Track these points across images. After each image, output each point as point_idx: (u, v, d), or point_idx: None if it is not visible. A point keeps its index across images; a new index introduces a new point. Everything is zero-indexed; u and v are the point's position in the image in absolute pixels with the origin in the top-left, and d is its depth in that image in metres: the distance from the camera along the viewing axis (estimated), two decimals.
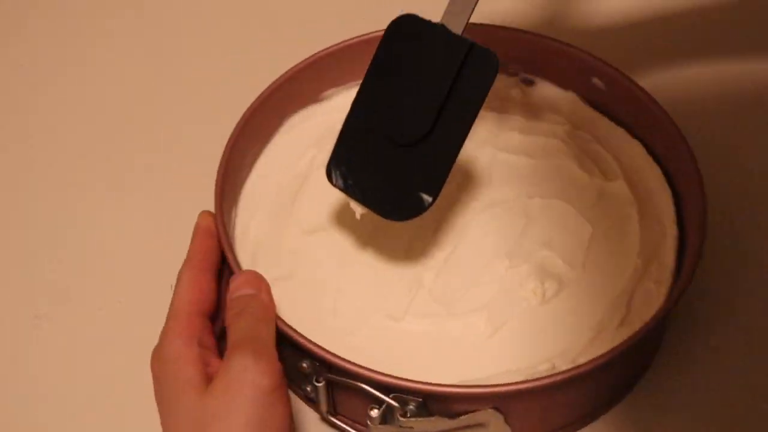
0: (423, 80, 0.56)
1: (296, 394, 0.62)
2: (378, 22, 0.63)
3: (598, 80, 0.70)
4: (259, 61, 0.78)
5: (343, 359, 0.55)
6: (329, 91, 0.73)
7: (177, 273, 0.65)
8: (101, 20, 0.87)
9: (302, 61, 0.70)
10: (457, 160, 0.67)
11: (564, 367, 0.57)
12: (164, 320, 0.64)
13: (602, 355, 0.55)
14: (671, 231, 0.64)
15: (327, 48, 0.71)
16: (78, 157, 0.76)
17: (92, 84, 0.82)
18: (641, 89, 0.68)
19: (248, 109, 0.67)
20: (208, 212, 0.61)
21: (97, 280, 0.69)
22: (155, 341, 0.63)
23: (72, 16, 0.87)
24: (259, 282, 0.57)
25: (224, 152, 0.65)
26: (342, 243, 0.64)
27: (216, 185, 0.63)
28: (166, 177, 0.75)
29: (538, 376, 0.56)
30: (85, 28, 0.86)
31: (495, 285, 0.62)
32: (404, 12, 0.58)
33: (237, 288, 0.57)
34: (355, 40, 0.71)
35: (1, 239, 0.71)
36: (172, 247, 0.68)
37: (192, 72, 0.82)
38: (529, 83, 0.74)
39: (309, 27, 0.85)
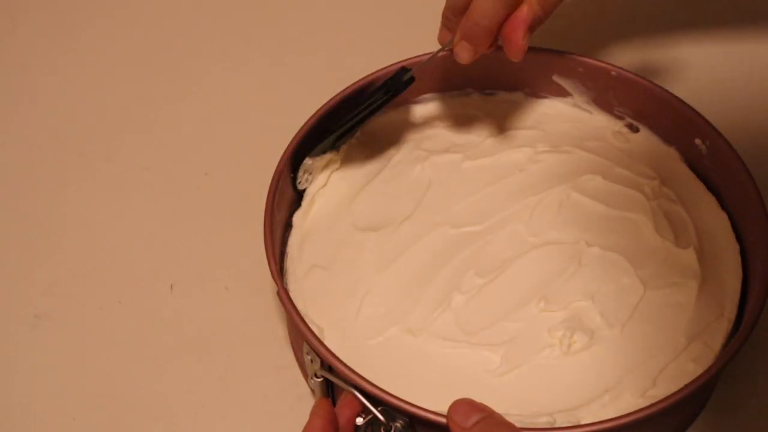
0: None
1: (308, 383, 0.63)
2: None
3: (700, 142, 0.67)
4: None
5: (341, 362, 0.55)
6: (427, 95, 0.72)
7: (177, 273, 0.67)
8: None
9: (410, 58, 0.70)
10: (527, 193, 0.66)
11: (563, 424, 0.54)
12: (164, 320, 0.66)
13: (606, 421, 0.53)
14: (729, 315, 0.61)
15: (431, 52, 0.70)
16: (78, 158, 0.76)
17: (94, 83, 0.82)
18: (741, 162, 0.64)
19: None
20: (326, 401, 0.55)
21: (97, 280, 0.69)
22: (155, 341, 0.65)
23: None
24: (482, 406, 0.52)
25: (298, 132, 0.66)
26: (387, 246, 0.64)
27: (279, 162, 0.64)
28: (166, 177, 0.75)
29: (533, 426, 0.54)
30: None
31: (523, 324, 0.60)
32: None
33: (466, 417, 0.52)
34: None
35: (1, 239, 0.71)
36: (172, 247, 0.70)
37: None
38: (634, 130, 0.71)
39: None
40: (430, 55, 0.67)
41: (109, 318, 0.67)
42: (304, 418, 0.59)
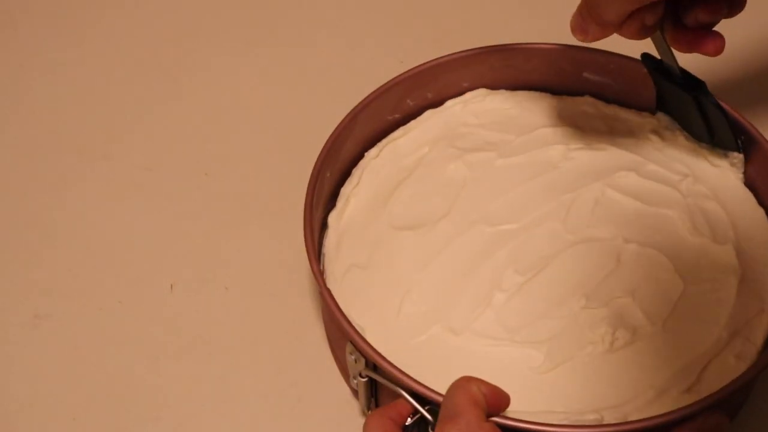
0: None
1: (348, 384, 0.62)
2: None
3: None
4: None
5: (389, 363, 0.55)
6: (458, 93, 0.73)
7: (177, 273, 0.67)
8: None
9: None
10: (562, 190, 0.66)
11: (612, 421, 0.54)
12: (164, 320, 0.66)
13: (654, 417, 0.53)
14: None
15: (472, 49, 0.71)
16: (78, 157, 0.76)
17: (95, 82, 0.82)
18: None
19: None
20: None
21: (97, 280, 0.69)
22: (155, 341, 0.65)
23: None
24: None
25: (335, 131, 0.65)
26: (425, 245, 0.64)
27: (318, 158, 0.64)
28: (166, 177, 0.75)
29: (582, 423, 0.54)
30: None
31: (565, 322, 0.60)
32: None
33: None
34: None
35: (1, 239, 0.71)
36: (172, 247, 0.70)
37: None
38: (668, 126, 0.70)
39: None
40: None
41: (109, 318, 0.67)
42: (304, 418, 0.61)
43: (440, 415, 0.50)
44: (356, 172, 0.68)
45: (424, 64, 0.69)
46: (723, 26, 0.59)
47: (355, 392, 0.61)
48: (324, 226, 0.66)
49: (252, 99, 0.80)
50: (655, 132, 0.70)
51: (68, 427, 0.62)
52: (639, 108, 0.71)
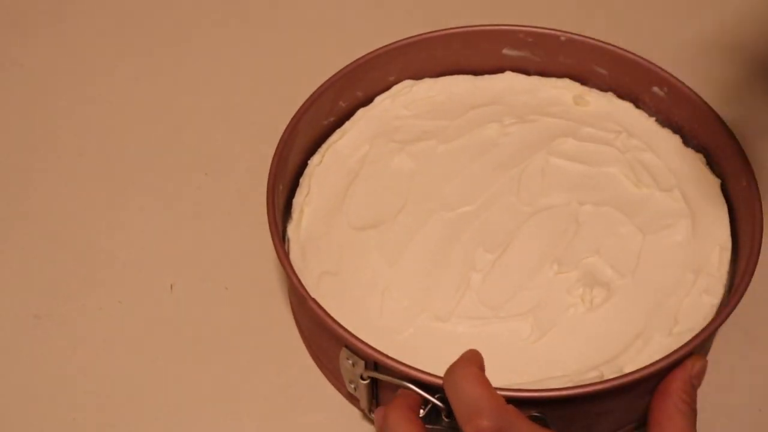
0: None
1: (339, 390, 0.62)
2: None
3: (658, 89, 0.70)
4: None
5: (392, 359, 0.55)
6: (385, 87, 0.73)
7: (176, 273, 0.67)
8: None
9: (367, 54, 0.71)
10: (508, 165, 0.68)
11: (611, 375, 0.56)
12: (164, 320, 0.65)
13: (652, 364, 0.55)
14: (725, 244, 0.64)
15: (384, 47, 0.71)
16: (78, 157, 0.76)
17: (94, 82, 0.82)
18: (701, 100, 0.68)
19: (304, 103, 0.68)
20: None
21: (97, 280, 0.69)
22: (155, 341, 0.65)
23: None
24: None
25: (279, 144, 0.65)
26: (390, 241, 0.64)
27: (269, 175, 0.63)
28: (166, 177, 0.75)
29: (584, 383, 0.56)
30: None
31: (542, 290, 0.61)
32: None
33: None
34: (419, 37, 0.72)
35: (1, 239, 0.71)
36: (172, 247, 0.70)
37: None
38: (592, 90, 0.73)
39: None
40: None
41: (109, 318, 0.67)
42: (304, 418, 0.62)
43: (459, 413, 0.50)
44: (304, 181, 0.68)
45: (351, 64, 0.70)
46: None
47: (349, 396, 0.61)
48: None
49: (252, 99, 0.80)
50: (579, 96, 0.72)
51: (68, 427, 0.62)
52: (558, 76, 0.74)
